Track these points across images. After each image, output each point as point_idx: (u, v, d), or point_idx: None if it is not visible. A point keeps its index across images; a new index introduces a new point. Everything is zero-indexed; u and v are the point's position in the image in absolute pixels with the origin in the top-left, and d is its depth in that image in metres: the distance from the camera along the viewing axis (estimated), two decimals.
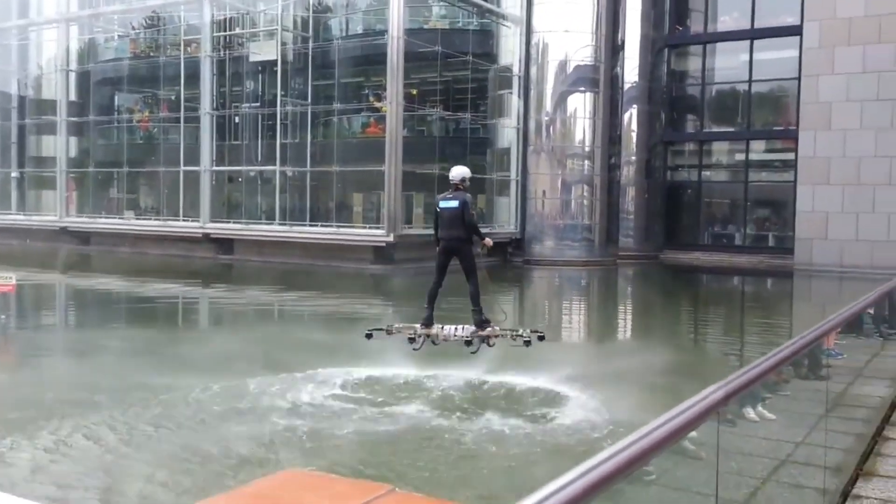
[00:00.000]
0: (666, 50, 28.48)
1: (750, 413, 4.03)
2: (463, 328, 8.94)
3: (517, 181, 26.62)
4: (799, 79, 24.56)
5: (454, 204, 8.78)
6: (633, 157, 27.83)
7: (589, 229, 25.33)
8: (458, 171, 9.15)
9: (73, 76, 31.29)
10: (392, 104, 22.41)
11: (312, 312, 16.07)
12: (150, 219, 28.71)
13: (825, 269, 23.13)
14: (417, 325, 9.00)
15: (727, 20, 27.78)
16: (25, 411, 7.46)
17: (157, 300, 17.67)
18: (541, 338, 8.86)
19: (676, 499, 3.46)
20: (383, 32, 23.02)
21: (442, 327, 8.99)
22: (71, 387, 8.87)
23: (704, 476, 2.78)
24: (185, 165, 27.02)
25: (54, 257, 27.04)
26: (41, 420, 7.06)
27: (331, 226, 24.31)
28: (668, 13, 28.46)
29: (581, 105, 25.57)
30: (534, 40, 25.67)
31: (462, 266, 8.91)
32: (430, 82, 25.95)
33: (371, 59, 24.45)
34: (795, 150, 24.68)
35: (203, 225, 26.19)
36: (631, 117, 27.66)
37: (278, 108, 25.10)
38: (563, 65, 25.40)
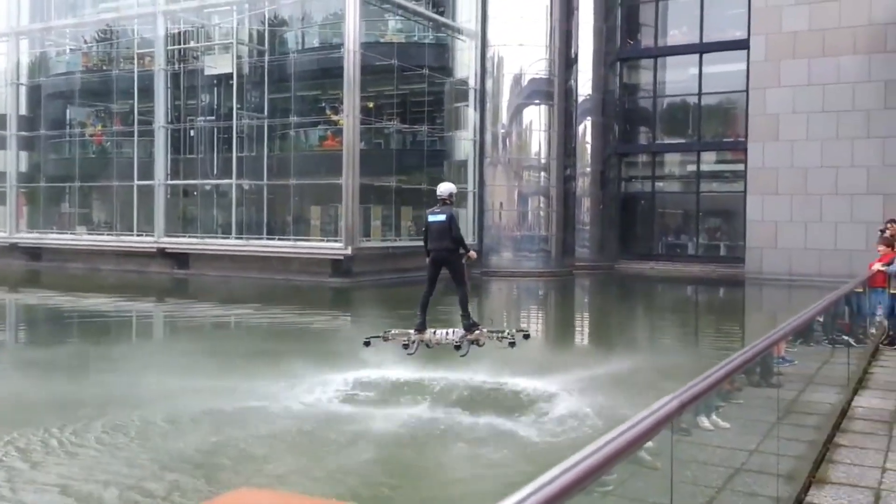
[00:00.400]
0: (618, 63, 28.96)
1: (704, 422, 4.10)
2: (453, 332, 9.42)
3: (474, 193, 26.74)
4: (747, 91, 25.12)
5: (442, 218, 9.27)
6: (588, 169, 28.20)
7: (545, 240, 25.56)
8: (445, 188, 9.66)
9: (23, 90, 30.70)
10: (349, 117, 22.40)
11: (261, 326, 15.90)
12: (104, 234, 28.20)
13: (775, 277, 23.64)
14: (411, 331, 9.40)
15: (677, 34, 28.34)
16: None
17: (91, 316, 17.30)
18: (526, 336, 9.49)
19: None
20: (339, 46, 23.01)
21: (434, 332, 9.43)
22: None
23: (660, 486, 2.83)
24: (139, 179, 26.63)
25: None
26: None
27: (288, 239, 24.15)
28: (619, 27, 28.95)
29: (536, 117, 25.84)
30: (489, 54, 25.89)
31: (451, 275, 9.38)
32: (387, 95, 25.99)
33: (328, 73, 24.40)
34: (745, 161, 25.21)
35: (158, 239, 25.81)
36: (585, 129, 28.04)
37: (234, 122, 24.90)
38: (518, 78, 25.65)
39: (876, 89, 22.84)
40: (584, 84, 27.62)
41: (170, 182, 26.47)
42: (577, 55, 26.80)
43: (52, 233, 29.05)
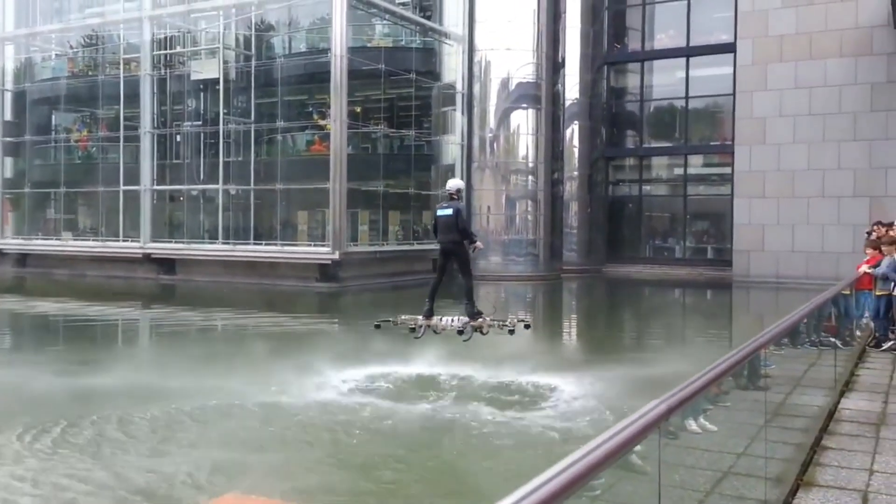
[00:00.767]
0: (605, 67, 29.03)
1: (692, 425, 4.09)
2: (458, 319, 10.02)
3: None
4: (734, 95, 25.22)
5: (449, 212, 9.84)
6: (576, 173, 28.25)
7: (533, 244, 25.57)
8: (453, 184, 10.29)
9: (8, 95, 30.54)
10: (336, 122, 22.38)
11: (245, 332, 15.83)
12: (89, 240, 28.04)
13: (762, 280, 23.73)
14: (419, 317, 10.06)
15: (664, 38, 28.45)
16: None
17: (72, 322, 17.23)
18: (527, 326, 10.18)
19: None
20: (326, 51, 23.00)
21: (440, 318, 10.07)
22: None
23: (648, 490, 2.81)
24: (125, 185, 26.50)
25: None
26: None
27: (275, 244, 24.08)
28: (606, 31, 29.03)
29: (524, 121, 25.85)
30: (476, 58, 25.90)
31: (457, 265, 10.00)
32: (374, 100, 25.99)
33: (315, 78, 24.38)
34: (732, 165, 25.30)
35: (144, 245, 25.69)
36: (573, 133, 28.09)
37: (221, 127, 24.82)
38: (505, 82, 25.67)
39: (862, 92, 22.99)
40: (572, 88, 27.67)
41: (156, 187, 26.36)
42: (564, 59, 26.85)
43: (37, 239, 28.89)
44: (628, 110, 29.73)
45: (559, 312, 21.77)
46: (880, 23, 22.61)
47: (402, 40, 27.04)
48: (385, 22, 26.31)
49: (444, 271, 10.16)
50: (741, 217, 24.84)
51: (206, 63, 25.29)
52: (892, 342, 10.28)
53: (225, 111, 24.87)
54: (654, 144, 29.14)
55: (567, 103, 27.44)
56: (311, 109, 25.61)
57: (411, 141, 26.83)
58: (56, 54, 30.78)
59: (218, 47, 25.00)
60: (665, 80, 28.51)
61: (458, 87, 26.72)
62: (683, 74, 27.53)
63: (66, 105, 30.02)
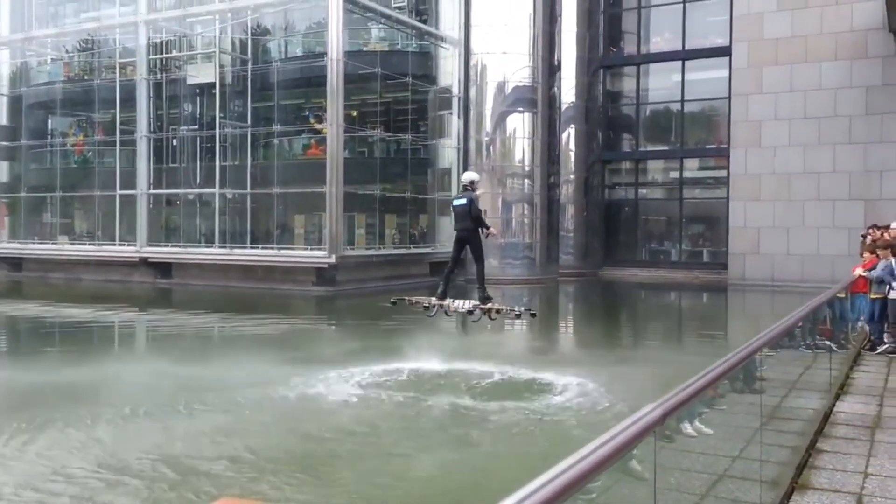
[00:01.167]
0: (601, 70, 29.09)
1: (687, 428, 4.10)
2: (468, 302, 10.79)
3: None
4: (729, 98, 25.27)
5: (463, 202, 10.55)
6: (572, 176, 28.30)
7: (530, 248, 25.59)
8: (467, 176, 11.15)
9: (4, 100, 30.55)
10: (332, 126, 22.39)
11: (237, 337, 15.83)
12: (86, 244, 28.01)
13: (758, 283, 23.77)
14: (433, 298, 10.94)
15: (659, 41, 28.52)
16: None
17: (61, 327, 17.25)
18: (532, 315, 10.94)
19: None
20: (323, 55, 23.02)
21: (453, 301, 10.82)
22: None
23: (644, 493, 2.83)
24: (121, 189, 26.49)
25: None
26: None
27: (272, 248, 24.08)
28: (602, 35, 29.10)
29: (520, 125, 25.88)
30: (472, 62, 25.94)
31: (471, 251, 10.71)
32: (371, 104, 26.01)
33: (311, 81, 24.41)
34: (727, 168, 25.36)
35: (140, 249, 25.67)
36: (569, 137, 28.14)
37: (217, 131, 24.83)
38: (501, 85, 25.71)
39: (857, 95, 23.05)
40: (568, 91, 27.74)
41: (152, 191, 26.35)
42: (560, 63, 26.90)
43: (33, 243, 28.83)
44: (624, 113, 29.79)
45: (556, 315, 21.78)
46: (875, 26, 22.68)
47: (398, 44, 27.08)
48: (381, 26, 26.35)
49: (458, 257, 11.00)
50: (737, 220, 24.88)
51: (202, 67, 25.30)
52: (886, 345, 10.31)
53: (221, 115, 24.87)
54: (650, 148, 29.19)
55: (563, 107, 27.51)
56: (307, 113, 25.63)
57: (407, 145, 26.86)
58: (52, 59, 30.77)
59: (214, 51, 25.02)
60: (661, 84, 28.57)
61: (455, 90, 26.76)
62: (679, 78, 27.59)
63: (63, 109, 30.01)
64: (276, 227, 24.92)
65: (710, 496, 3.95)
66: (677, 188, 28.18)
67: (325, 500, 6.25)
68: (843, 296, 9.77)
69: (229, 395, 9.25)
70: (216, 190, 24.63)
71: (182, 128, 26.57)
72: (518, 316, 10.71)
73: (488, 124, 25.95)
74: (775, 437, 5.14)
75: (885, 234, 11.85)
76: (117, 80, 26.95)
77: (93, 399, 9.02)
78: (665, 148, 28.85)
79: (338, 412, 8.62)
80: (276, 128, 24.92)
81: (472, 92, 26.05)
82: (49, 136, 30.73)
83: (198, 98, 26.49)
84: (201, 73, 25.11)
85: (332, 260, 22.28)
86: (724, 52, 25.47)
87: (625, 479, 2.95)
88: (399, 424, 8.35)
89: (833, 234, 22.97)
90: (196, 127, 26.29)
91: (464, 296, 11.51)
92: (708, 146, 27.88)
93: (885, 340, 10.41)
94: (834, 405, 7.17)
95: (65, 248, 27.91)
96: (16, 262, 28.60)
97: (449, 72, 27.00)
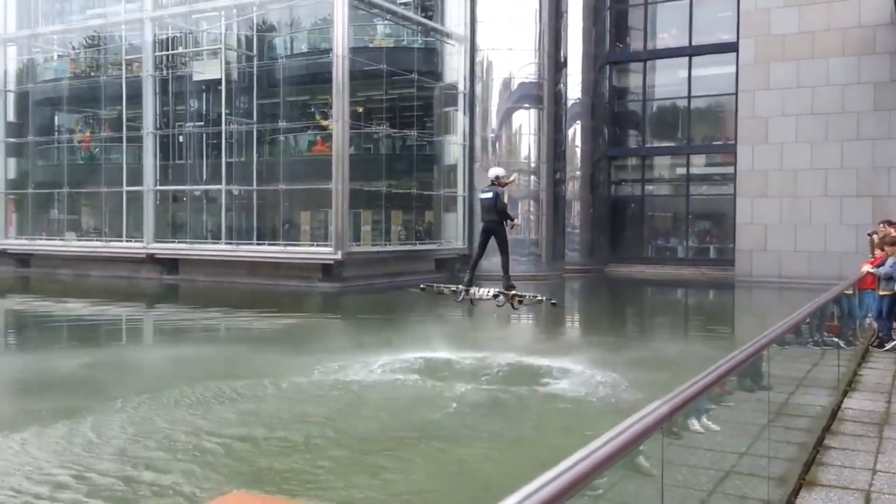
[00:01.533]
0: (607, 67, 29.03)
1: (694, 425, 4.09)
2: (493, 289, 11.43)
3: (464, 197, 26.75)
4: (736, 94, 25.20)
5: (489, 195, 11.16)
6: (578, 173, 28.24)
7: (536, 244, 25.57)
8: (493, 171, 11.84)
9: (11, 96, 30.61)
10: (338, 122, 22.38)
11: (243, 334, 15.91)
12: (92, 240, 28.09)
13: (764, 279, 23.71)
14: (460, 286, 11.69)
15: (666, 38, 28.43)
16: None
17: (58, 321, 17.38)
18: (553, 304, 11.81)
19: None
20: (328, 51, 22.99)
21: (478, 289, 11.53)
22: None
23: (651, 489, 2.82)
24: (127, 185, 26.54)
25: None
26: None
27: (278, 244, 24.10)
28: (608, 31, 29.03)
29: (526, 121, 25.86)
30: (478, 58, 25.91)
31: (496, 241, 11.21)
32: (376, 100, 25.98)
33: (317, 78, 24.38)
34: (734, 164, 25.29)
35: (147, 245, 25.72)
36: (575, 133, 28.09)
37: (223, 127, 24.84)
38: (507, 82, 25.68)
39: (865, 91, 22.96)
40: (574, 88, 27.68)
41: (159, 188, 26.39)
42: (566, 59, 26.85)
43: (41, 239, 28.93)
44: (631, 110, 29.72)
45: (561, 312, 21.76)
46: (883, 21, 22.58)
47: (403, 40, 27.03)
48: (387, 22, 26.31)
49: (484, 248, 11.46)
50: (744, 217, 24.82)
51: (208, 64, 25.31)
52: (894, 342, 10.27)
53: (227, 112, 24.88)
54: (657, 144, 29.13)
55: (569, 103, 27.45)
56: (313, 110, 25.62)
57: (413, 141, 26.82)
58: (58, 55, 30.82)
59: (220, 48, 25.03)
60: (667, 80, 28.49)
61: (460, 87, 26.71)
62: (686, 74, 27.51)
63: (69, 106, 30.07)
64: (282, 224, 24.93)
65: (718, 492, 3.94)
66: (684, 185, 28.11)
67: (427, 474, 6.73)
68: (850, 292, 9.74)
69: (295, 381, 9.96)
70: (222, 186, 24.66)
71: (188, 124, 26.58)
72: (540, 302, 11.56)
73: (494, 121, 25.92)
74: (783, 433, 5.13)
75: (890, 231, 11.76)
76: (123, 76, 26.99)
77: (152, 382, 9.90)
78: (671, 144, 28.78)
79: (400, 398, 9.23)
80: (282, 124, 24.90)
81: (478, 88, 26.02)
82: (56, 133, 30.78)
83: (204, 95, 26.50)
84: (207, 70, 25.13)
85: (338, 256, 22.29)
86: (731, 48, 25.38)
87: (631, 475, 2.95)
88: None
89: (840, 231, 22.90)
90: (202, 123, 26.29)
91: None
92: (715, 142, 27.81)
93: (894, 337, 10.36)
94: (842, 402, 7.14)
95: (72, 245, 27.99)
96: (24, 259, 28.70)
97: (455, 68, 26.94)
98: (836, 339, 8.11)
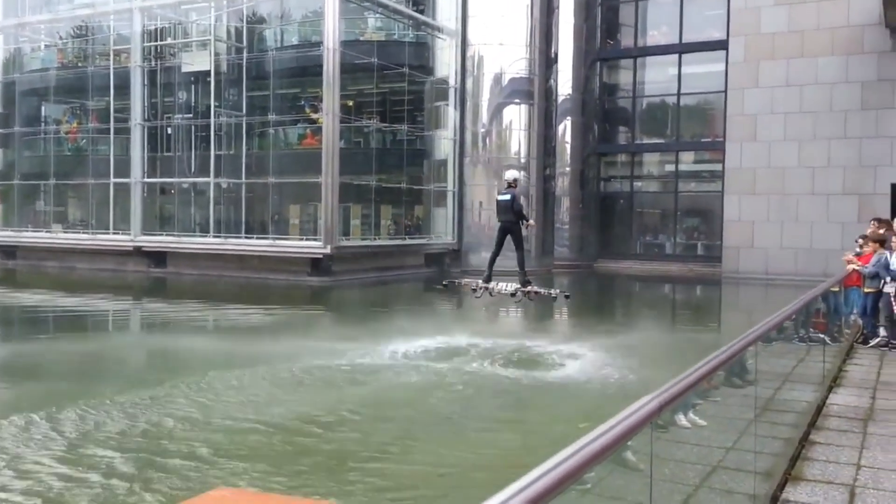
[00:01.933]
0: (598, 63, 29.04)
1: (682, 420, 4.11)
2: (511, 285, 12.26)
3: (454, 192, 26.76)
4: (725, 92, 25.28)
5: (507, 197, 12.00)
6: (568, 168, 28.28)
7: (525, 239, 25.56)
8: (510, 174, 12.90)
9: None
10: (328, 116, 22.33)
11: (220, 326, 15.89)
12: (79, 232, 27.93)
13: (751, 276, 23.83)
14: (479, 280, 12.49)
15: (656, 35, 28.47)
16: None
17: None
18: (567, 296, 12.81)
19: None
20: (319, 44, 22.93)
21: (497, 283, 12.30)
22: None
23: (639, 483, 2.84)
24: (115, 177, 26.40)
25: None
26: None
27: (267, 238, 24.04)
28: (599, 27, 29.04)
29: (516, 117, 25.89)
30: (469, 53, 25.91)
31: (513, 240, 12.10)
32: (367, 94, 25.95)
33: (307, 71, 24.31)
34: (723, 161, 25.38)
35: (134, 238, 25.60)
36: (565, 129, 28.12)
37: (212, 119, 24.73)
38: (498, 77, 25.69)
39: (853, 90, 23.08)
40: (564, 84, 27.70)
41: (147, 180, 26.26)
42: (557, 55, 26.88)
43: (27, 231, 28.74)
44: (621, 106, 29.76)
45: (549, 307, 21.81)
46: (872, 21, 22.69)
47: (394, 34, 26.99)
48: (378, 15, 26.25)
49: (501, 245, 12.20)
50: (731, 213, 24.93)
51: (197, 55, 25.19)
52: (879, 339, 10.36)
53: (216, 104, 24.78)
54: (646, 141, 29.18)
55: (560, 99, 27.49)
56: (303, 103, 25.55)
57: (404, 135, 26.81)
58: (45, 45, 30.59)
59: (209, 39, 24.90)
60: (657, 77, 28.53)
61: (451, 81, 26.69)
62: (676, 71, 27.54)
63: (56, 96, 29.88)
64: (271, 217, 24.87)
65: (705, 487, 3.97)
66: (673, 181, 28.19)
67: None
68: (836, 289, 9.81)
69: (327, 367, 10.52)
70: (211, 179, 24.56)
71: (177, 116, 26.46)
72: (555, 298, 12.63)
73: (485, 116, 25.94)
74: (769, 428, 5.17)
75: (881, 229, 11.82)
76: (111, 67, 26.83)
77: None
78: (661, 141, 28.84)
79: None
80: (272, 117, 24.84)
81: (469, 83, 26.02)
82: (43, 124, 30.60)
83: (193, 86, 26.38)
84: (196, 61, 25.01)
85: (328, 250, 22.26)
86: (721, 45, 25.45)
87: (620, 470, 2.97)
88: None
89: (827, 229, 23.04)
90: (191, 115, 26.18)
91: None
92: (703, 140, 27.90)
93: (879, 334, 10.46)
94: (827, 397, 7.20)
95: (59, 237, 27.83)
96: (9, 251, 28.50)
97: (446, 63, 26.92)
98: (822, 336, 8.17)
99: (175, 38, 26.31)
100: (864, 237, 11.12)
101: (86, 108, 28.92)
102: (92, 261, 26.34)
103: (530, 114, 25.80)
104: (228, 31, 25.64)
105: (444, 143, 27.08)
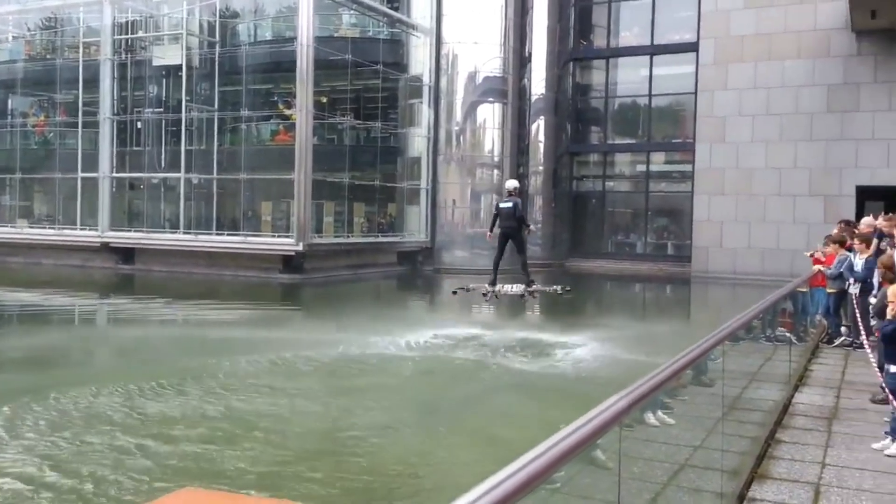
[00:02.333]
0: (571, 63, 29.16)
1: (650, 418, 4.16)
2: (516, 286, 13.24)
3: (427, 190, 26.75)
4: (695, 93, 25.52)
5: (509, 205, 12.73)
6: (541, 168, 28.35)
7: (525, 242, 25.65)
8: (511, 183, 13.51)
9: None
10: (302, 112, 22.21)
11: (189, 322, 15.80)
12: (45, 227, 27.50)
13: (720, 276, 24.10)
14: (486, 284, 13.27)
15: (628, 36, 28.66)
16: None
17: None
18: (567, 292, 13.81)
19: None
20: (293, 40, 22.79)
21: (503, 286, 13.13)
22: None
23: (608, 482, 2.87)
24: (83, 172, 26.04)
25: None
26: None
27: (238, 234, 23.86)
28: (573, 28, 29.14)
29: (490, 115, 25.93)
30: (444, 51, 25.91)
31: (515, 245, 12.93)
32: (341, 91, 25.83)
33: (280, 66, 24.16)
34: (692, 162, 25.63)
35: (102, 233, 25.28)
36: (538, 128, 28.19)
37: (183, 114, 24.49)
38: (472, 76, 25.72)
39: (819, 93, 23.41)
40: (538, 83, 27.77)
41: (115, 175, 25.94)
42: (531, 54, 26.95)
43: None
44: (593, 107, 29.90)
45: (521, 305, 21.89)
46: (838, 26, 23.04)
47: (369, 31, 26.91)
48: (352, 12, 26.15)
49: (504, 249, 12.99)
50: (700, 214, 25.19)
51: (168, 49, 24.92)
52: (843, 338, 10.54)
53: (187, 98, 24.54)
54: (618, 141, 29.36)
55: (533, 98, 27.55)
56: (276, 99, 25.39)
57: (377, 133, 26.74)
58: (13, 36, 30.07)
59: (181, 33, 24.64)
60: (629, 78, 28.72)
61: (426, 79, 26.67)
62: (647, 72, 27.74)
63: (23, 89, 29.38)
64: (243, 214, 24.69)
65: (672, 485, 4.02)
66: (644, 181, 28.39)
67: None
68: (805, 290, 9.96)
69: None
70: (181, 175, 24.33)
71: (147, 110, 26.15)
72: (559, 294, 13.63)
73: (459, 114, 25.95)
74: (736, 427, 5.24)
75: (842, 231, 11.99)
76: (80, 59, 26.45)
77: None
78: (632, 141, 29.03)
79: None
80: (244, 112, 24.64)
81: (443, 81, 26.02)
82: (9, 117, 30.05)
83: (163, 80, 26.08)
84: (167, 55, 24.75)
85: (300, 247, 22.15)
86: (692, 48, 25.68)
87: (588, 468, 3.00)
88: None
89: (793, 229, 23.34)
90: (161, 110, 25.88)
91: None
92: (674, 140, 28.13)
93: (842, 333, 10.64)
94: (793, 396, 7.32)
95: (24, 232, 27.39)
96: None
97: (420, 60, 26.89)
98: (788, 335, 8.29)
99: (146, 32, 26.01)
100: (829, 237, 11.31)
101: (54, 101, 28.48)
102: (58, 257, 25.97)
103: (504, 113, 25.86)
104: (201, 25, 25.38)
105: (417, 141, 27.06)
